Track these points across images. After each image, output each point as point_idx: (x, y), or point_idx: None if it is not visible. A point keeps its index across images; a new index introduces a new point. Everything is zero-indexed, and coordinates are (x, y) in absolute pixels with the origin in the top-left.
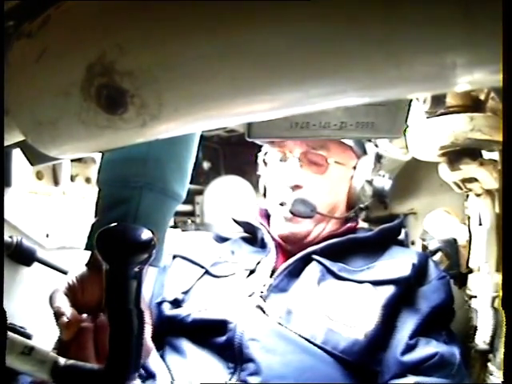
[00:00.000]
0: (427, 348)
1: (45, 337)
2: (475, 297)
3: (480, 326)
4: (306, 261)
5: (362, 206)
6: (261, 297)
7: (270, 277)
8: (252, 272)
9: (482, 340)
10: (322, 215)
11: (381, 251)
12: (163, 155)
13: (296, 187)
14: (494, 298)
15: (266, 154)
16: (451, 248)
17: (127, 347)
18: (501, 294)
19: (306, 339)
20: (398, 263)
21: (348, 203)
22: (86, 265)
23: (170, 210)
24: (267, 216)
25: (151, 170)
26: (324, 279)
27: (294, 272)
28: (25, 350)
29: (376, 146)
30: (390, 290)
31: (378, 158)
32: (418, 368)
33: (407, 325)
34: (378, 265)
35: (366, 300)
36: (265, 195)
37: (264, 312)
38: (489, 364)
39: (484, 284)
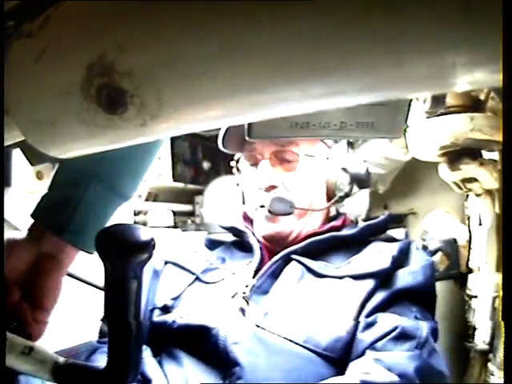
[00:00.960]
0: (387, 323)
1: (46, 336)
2: (475, 297)
3: (480, 326)
4: (287, 260)
5: (341, 194)
6: (243, 298)
7: (254, 277)
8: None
9: (481, 340)
10: (302, 209)
11: (362, 246)
12: (119, 154)
13: (271, 188)
14: (494, 298)
15: (238, 161)
16: (451, 248)
17: (127, 347)
18: (501, 293)
19: (288, 339)
20: (378, 256)
21: (327, 195)
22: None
23: (113, 206)
24: (250, 219)
25: (105, 165)
26: (303, 278)
27: (276, 272)
28: (25, 349)
29: None
30: (370, 283)
31: (351, 144)
32: (377, 344)
33: (369, 305)
34: (358, 258)
35: (347, 295)
36: (243, 201)
37: (244, 315)
38: (489, 364)
39: (484, 284)
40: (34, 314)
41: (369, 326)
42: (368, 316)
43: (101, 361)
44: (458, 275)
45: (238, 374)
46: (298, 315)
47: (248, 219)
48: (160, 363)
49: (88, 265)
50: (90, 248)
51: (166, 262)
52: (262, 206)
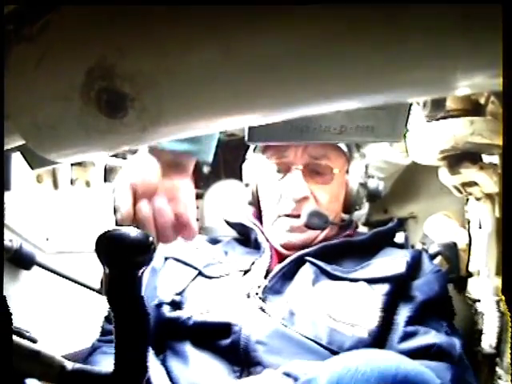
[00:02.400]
0: (425, 338)
1: (45, 339)
2: (478, 301)
3: (486, 330)
4: (300, 263)
5: (357, 207)
6: (260, 298)
7: (265, 278)
8: (246, 273)
9: (488, 344)
10: (334, 224)
11: (374, 252)
12: None
13: (303, 199)
14: (497, 302)
15: (257, 164)
16: (451, 252)
17: (134, 350)
18: (502, 297)
19: (311, 340)
20: (391, 261)
21: (344, 207)
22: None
23: None
24: (260, 217)
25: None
26: (318, 280)
27: (288, 274)
28: (31, 353)
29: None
30: (385, 287)
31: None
32: (414, 357)
33: (402, 314)
34: (372, 263)
35: (364, 298)
36: (258, 205)
37: (266, 313)
38: (497, 368)
39: (483, 288)
40: (180, 221)
41: (408, 336)
42: (405, 326)
43: (101, 361)
44: (458, 279)
45: (258, 373)
46: (319, 317)
47: (258, 216)
48: (164, 361)
49: (87, 268)
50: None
51: (166, 258)
52: (289, 216)
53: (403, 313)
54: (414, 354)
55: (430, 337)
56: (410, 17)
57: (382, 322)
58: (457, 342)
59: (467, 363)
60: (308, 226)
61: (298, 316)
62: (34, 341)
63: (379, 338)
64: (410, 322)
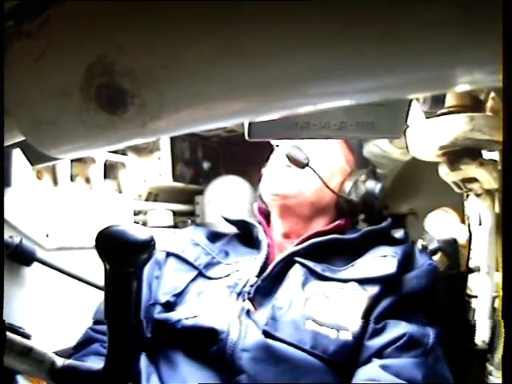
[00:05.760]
0: (395, 330)
1: (44, 336)
2: (475, 297)
3: (479, 326)
4: (290, 262)
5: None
6: (249, 299)
7: (258, 276)
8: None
9: (481, 340)
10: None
11: (365, 250)
12: None
13: None
14: (494, 298)
15: None
16: (451, 248)
17: (126, 347)
18: (501, 293)
19: (295, 345)
20: (382, 260)
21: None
22: None
23: None
24: (266, 213)
25: None
26: (308, 282)
27: (279, 274)
28: (24, 350)
29: None
30: (375, 288)
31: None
32: (385, 351)
33: (376, 311)
34: (362, 262)
35: (352, 299)
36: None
37: (252, 319)
38: (487, 364)
39: (484, 284)
40: None
41: (377, 332)
42: (376, 322)
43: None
44: (458, 275)
45: (242, 382)
46: (304, 321)
47: (263, 213)
48: (156, 364)
49: (88, 264)
50: None
51: (167, 254)
52: None
53: (377, 309)
54: (384, 348)
55: (399, 328)
56: (409, 12)
57: (364, 322)
58: (431, 332)
59: (439, 354)
60: (288, 158)
61: (281, 321)
62: (27, 337)
63: (361, 340)
64: (381, 316)
